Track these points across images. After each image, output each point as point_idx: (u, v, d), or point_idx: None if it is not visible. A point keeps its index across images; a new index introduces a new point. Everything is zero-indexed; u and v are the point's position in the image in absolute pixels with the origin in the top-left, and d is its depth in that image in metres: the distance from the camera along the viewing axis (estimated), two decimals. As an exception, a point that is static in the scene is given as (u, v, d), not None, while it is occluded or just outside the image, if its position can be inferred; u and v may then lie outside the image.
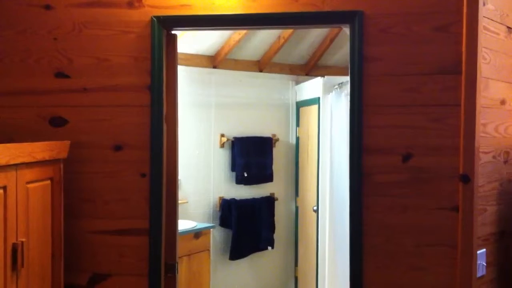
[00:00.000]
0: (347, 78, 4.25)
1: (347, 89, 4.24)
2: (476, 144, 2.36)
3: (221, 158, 5.24)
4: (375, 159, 2.43)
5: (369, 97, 2.42)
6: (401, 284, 2.41)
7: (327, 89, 4.68)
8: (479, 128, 2.38)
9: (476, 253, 2.42)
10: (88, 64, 2.47)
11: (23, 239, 1.95)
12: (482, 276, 2.52)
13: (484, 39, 2.41)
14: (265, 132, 5.43)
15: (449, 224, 2.38)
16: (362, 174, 2.42)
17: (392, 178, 2.41)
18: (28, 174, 2.01)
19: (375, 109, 2.43)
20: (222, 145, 5.22)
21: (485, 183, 2.52)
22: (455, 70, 2.37)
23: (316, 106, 4.85)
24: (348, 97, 2.51)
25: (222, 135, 5.21)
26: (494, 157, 2.60)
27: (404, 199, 2.41)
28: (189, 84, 4.81)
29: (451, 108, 2.38)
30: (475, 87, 2.35)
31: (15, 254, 1.90)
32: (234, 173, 5.25)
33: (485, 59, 2.44)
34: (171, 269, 2.49)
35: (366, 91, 2.42)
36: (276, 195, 5.51)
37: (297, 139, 5.54)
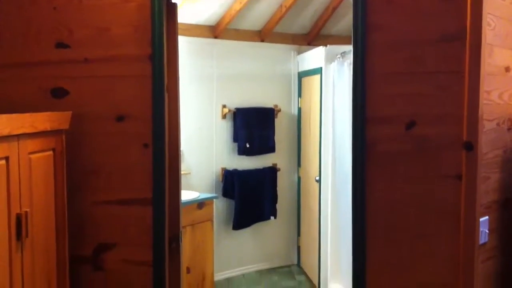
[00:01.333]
0: (350, 47, 4.21)
1: (349, 58, 4.20)
2: (480, 112, 2.34)
3: (223, 129, 5.23)
4: (378, 128, 2.41)
5: (372, 66, 2.39)
6: (404, 252, 2.42)
7: (330, 59, 4.64)
8: (483, 96, 2.36)
9: (479, 221, 2.42)
10: (88, 34, 2.44)
11: (27, 210, 1.96)
12: (484, 243, 2.53)
13: (489, 5, 2.37)
14: (267, 103, 5.41)
15: (453, 192, 2.37)
16: (365, 143, 2.41)
17: (395, 147, 2.40)
18: (30, 144, 2.01)
19: (378, 77, 2.40)
20: (224, 116, 5.21)
21: (488, 150, 2.51)
22: (459, 37, 2.33)
23: (318, 76, 4.82)
24: (351, 66, 2.49)
25: (224, 106, 5.19)
26: (498, 124, 2.59)
27: (407, 168, 2.40)
28: (190, 56, 4.78)
29: (455, 76, 2.35)
30: (480, 54, 2.32)
31: (19, 224, 1.91)
32: (236, 144, 5.26)
33: (490, 25, 2.41)
34: (175, 239, 2.51)
35: (369, 59, 2.39)
36: (278, 166, 5.52)
37: (299, 109, 5.52)
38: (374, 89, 2.40)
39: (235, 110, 5.20)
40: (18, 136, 1.92)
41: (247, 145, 5.22)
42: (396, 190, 2.41)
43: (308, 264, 5.29)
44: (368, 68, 2.39)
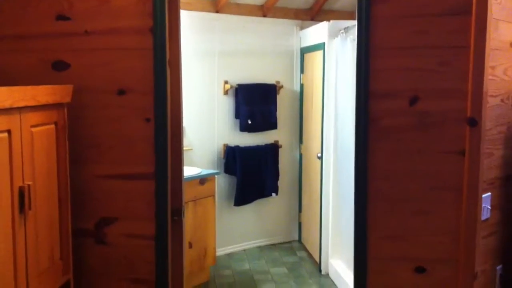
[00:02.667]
0: (353, 22, 4.18)
1: (353, 33, 4.16)
2: (484, 87, 2.32)
3: (225, 106, 5.21)
4: (382, 103, 2.40)
5: (376, 40, 2.37)
6: (406, 228, 2.43)
7: (333, 34, 4.60)
8: (487, 71, 2.34)
9: (482, 197, 2.42)
10: (88, 6, 2.41)
11: (30, 183, 1.96)
12: (486, 219, 2.54)
13: (496, -22, 2.34)
14: (269, 79, 5.38)
15: (455, 168, 2.37)
16: (368, 118, 2.40)
17: (399, 122, 2.39)
18: (32, 117, 2.00)
19: (382, 52, 2.38)
20: (226, 92, 5.18)
21: (492, 126, 2.51)
22: (465, 11, 2.30)
23: (321, 52, 4.78)
24: (354, 42, 2.47)
25: (226, 82, 5.16)
26: (502, 100, 2.57)
27: (411, 143, 2.39)
28: (191, 30, 4.73)
29: (460, 50, 2.33)
30: (485, 28, 2.29)
31: (22, 197, 1.91)
32: (238, 121, 5.24)
33: (496, -1, 2.38)
34: (178, 213, 2.51)
35: (373, 33, 2.36)
36: (280, 143, 5.52)
37: (302, 86, 5.50)
38: (378, 63, 2.38)
39: (237, 86, 5.18)
40: (20, 109, 1.91)
41: (249, 122, 5.20)
42: (398, 165, 2.41)
43: (309, 240, 5.32)
44: (372, 42, 2.37)
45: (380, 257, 2.45)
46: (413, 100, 2.38)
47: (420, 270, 2.44)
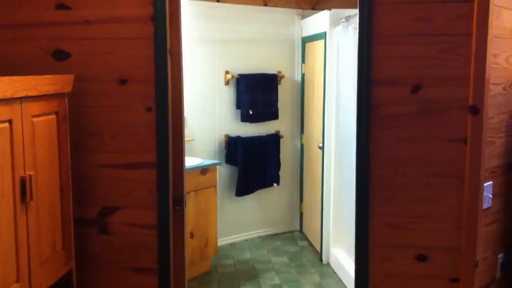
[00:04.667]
0: (355, 11, 4.15)
1: (354, 22, 4.14)
2: (487, 75, 2.31)
3: (226, 96, 5.20)
4: (383, 90, 2.39)
5: (378, 27, 2.36)
6: (407, 215, 2.43)
7: (334, 23, 4.57)
8: (490, 59, 2.33)
9: (483, 185, 2.42)
10: (88, -5, 2.40)
11: (31, 173, 1.96)
12: (488, 208, 2.54)
13: (499, -36, 2.32)
14: (270, 69, 5.37)
15: (457, 156, 2.37)
16: (369, 106, 2.39)
17: (400, 110, 2.39)
18: (33, 107, 1.99)
19: (384, 39, 2.37)
20: (227, 82, 5.17)
21: (494, 115, 2.50)
22: (467, -2, 2.29)
23: (322, 41, 4.76)
24: (356, 30, 2.45)
25: (227, 72, 5.15)
26: (504, 88, 2.56)
27: (412, 131, 2.39)
28: (192, 19, 4.72)
29: (462, 38, 2.32)
30: (488, 15, 2.28)
31: (24, 187, 1.91)
32: (239, 111, 5.24)
33: (499, -14, 2.36)
34: (179, 202, 2.52)
35: (376, 20, 2.35)
36: (281, 133, 5.51)
37: (303, 75, 5.48)
38: (380, 50, 2.37)
39: (238, 76, 5.16)
40: (21, 99, 1.91)
41: (250, 112, 5.19)
42: (400, 152, 2.40)
43: (311, 230, 5.33)
44: (374, 29, 2.35)
45: (381, 245, 2.46)
46: (415, 88, 2.37)
47: (421, 258, 2.44)
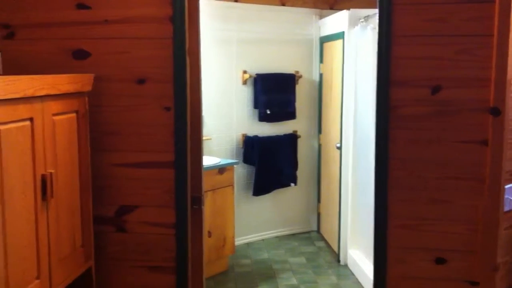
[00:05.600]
0: (373, 11, 4.13)
1: (373, 22, 4.11)
2: (508, 76, 2.28)
3: (244, 95, 5.21)
4: (403, 91, 2.37)
5: (398, 28, 2.34)
6: (425, 217, 2.41)
7: (352, 23, 4.55)
8: (511, 59, 2.30)
9: (504, 188, 2.39)
10: (108, -6, 2.42)
11: (52, 170, 1.98)
12: (509, 211, 2.51)
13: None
14: (288, 69, 5.36)
15: (477, 158, 2.34)
16: (388, 107, 2.38)
17: (420, 111, 2.37)
18: (53, 106, 2.02)
19: (404, 40, 2.35)
20: (245, 82, 5.18)
21: (515, 116, 2.46)
22: (488, -1, 2.27)
23: (340, 41, 4.74)
24: (375, 30, 2.44)
25: (245, 72, 5.15)
26: (526, 89, 2.52)
27: (431, 132, 2.37)
28: (210, 19, 4.72)
29: (483, 39, 2.29)
30: (510, 16, 2.25)
31: (44, 185, 1.93)
32: (256, 110, 5.24)
33: (521, -15, 2.33)
34: (197, 201, 2.52)
35: (395, 21, 2.34)
36: (299, 133, 5.50)
37: (321, 75, 5.46)
38: (399, 51, 2.35)
39: (255, 75, 5.16)
40: (42, 98, 1.93)
41: (268, 112, 5.19)
42: (419, 153, 2.39)
43: (328, 230, 5.31)
44: (393, 30, 2.34)
45: (399, 246, 2.44)
46: (435, 89, 2.35)
47: (439, 260, 2.42)
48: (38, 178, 1.91)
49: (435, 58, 2.34)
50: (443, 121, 2.36)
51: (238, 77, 5.15)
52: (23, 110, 1.81)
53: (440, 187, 2.38)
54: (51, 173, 1.97)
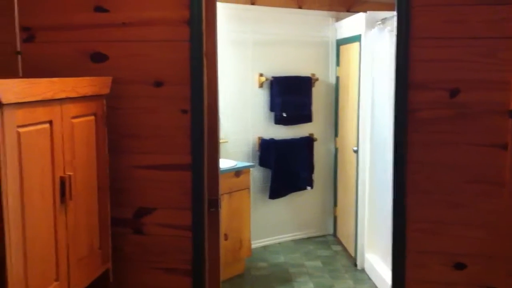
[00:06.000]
0: (391, 13, 4.11)
1: (391, 24, 4.09)
2: (530, 79, 2.25)
3: (260, 98, 5.21)
4: (421, 94, 2.35)
5: (416, 30, 2.32)
6: (444, 221, 2.38)
7: (370, 26, 4.53)
8: (533, 62, 2.27)
9: (525, 191, 2.36)
10: (126, -2, 2.43)
11: (70, 173, 1.99)
12: (530, 215, 2.47)
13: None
14: (304, 72, 5.35)
15: (497, 162, 2.31)
16: (407, 110, 2.35)
17: (438, 114, 2.34)
18: (72, 109, 2.03)
19: (422, 42, 2.33)
20: (261, 85, 5.18)
21: (536, 119, 2.43)
22: (508, 1, 2.23)
23: (357, 44, 4.72)
24: (392, 33, 2.42)
25: (261, 75, 5.15)
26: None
27: (450, 136, 2.34)
28: (226, 22, 4.74)
29: (504, 41, 2.26)
30: (530, 18, 2.22)
31: (63, 187, 1.95)
32: (272, 113, 5.24)
33: (543, -14, 2.29)
34: (214, 204, 2.52)
35: (414, 23, 2.32)
36: (315, 136, 5.49)
37: (337, 78, 5.44)
38: (418, 54, 2.33)
39: (271, 78, 5.16)
40: (61, 101, 1.94)
41: (284, 115, 5.19)
42: (437, 157, 2.36)
43: (344, 234, 5.28)
44: (411, 32, 2.32)
45: (418, 251, 2.41)
46: (454, 92, 2.32)
47: (458, 265, 2.39)
48: (57, 180, 1.92)
49: (454, 60, 2.31)
50: (462, 124, 2.33)
51: (254, 80, 5.15)
52: (42, 113, 1.83)
53: (459, 191, 2.35)
54: (69, 176, 1.98)
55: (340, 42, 5.32)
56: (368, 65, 4.56)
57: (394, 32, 2.39)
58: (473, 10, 2.27)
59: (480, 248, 2.36)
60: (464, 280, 2.39)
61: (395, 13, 2.39)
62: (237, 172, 4.44)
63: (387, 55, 4.15)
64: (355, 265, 4.79)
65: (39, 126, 1.81)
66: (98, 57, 2.46)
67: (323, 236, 5.66)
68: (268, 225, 5.34)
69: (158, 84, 2.44)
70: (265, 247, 5.29)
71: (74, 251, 2.04)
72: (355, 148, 4.78)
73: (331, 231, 5.70)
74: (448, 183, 2.36)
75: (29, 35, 2.49)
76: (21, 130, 1.69)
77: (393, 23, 2.39)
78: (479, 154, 2.33)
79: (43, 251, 1.83)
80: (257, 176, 5.21)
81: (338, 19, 5.41)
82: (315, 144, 5.47)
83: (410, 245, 2.41)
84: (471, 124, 2.32)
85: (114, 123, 2.45)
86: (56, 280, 1.92)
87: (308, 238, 5.59)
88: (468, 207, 2.35)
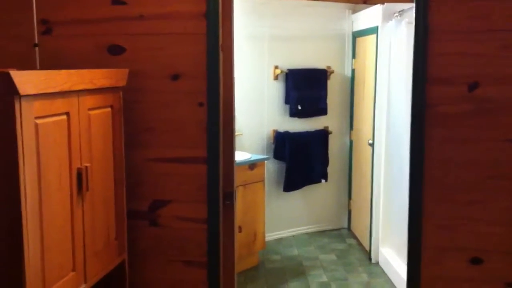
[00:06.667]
0: (408, 5, 4.07)
1: (408, 16, 4.05)
2: (552, 73, 2.22)
3: (275, 91, 5.19)
4: (439, 89, 2.33)
5: (435, 23, 2.29)
6: (462, 217, 2.36)
7: (387, 18, 4.48)
8: (554, 55, 2.23)
9: (545, 187, 2.33)
10: (144, -10, 2.43)
11: (87, 164, 2.00)
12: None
13: None
14: (320, 64, 5.32)
15: (517, 157, 2.28)
16: (424, 104, 2.33)
17: (457, 109, 2.32)
18: (89, 100, 2.04)
19: (441, 35, 2.30)
20: (276, 78, 5.16)
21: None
22: (530, -8, 2.20)
23: (374, 36, 4.68)
24: (409, 25, 2.39)
25: (276, 67, 5.14)
26: None
27: (468, 131, 2.32)
28: (242, 15, 4.72)
29: (524, 34, 2.23)
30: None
31: (80, 178, 1.96)
32: (287, 106, 5.22)
33: None
34: (229, 197, 2.53)
35: (432, 15, 2.29)
36: (330, 129, 5.47)
37: (353, 71, 5.41)
38: (436, 47, 2.31)
39: (287, 71, 5.14)
40: (78, 92, 1.95)
41: (299, 107, 5.17)
42: (455, 152, 2.34)
43: (359, 228, 5.26)
44: (430, 25, 2.29)
45: (433, 246, 2.39)
46: (473, 86, 2.29)
47: (475, 261, 2.37)
48: (74, 172, 1.93)
49: (473, 54, 2.28)
50: (481, 119, 2.30)
51: (270, 72, 5.14)
52: (60, 105, 1.83)
53: (478, 187, 2.33)
54: (86, 167, 1.99)
55: (357, 34, 5.28)
56: (385, 57, 4.52)
57: (412, 24, 2.36)
58: (494, 3, 2.24)
59: (498, 244, 2.34)
60: (481, 275, 2.37)
61: (413, 5, 2.36)
62: (252, 165, 4.44)
63: (404, 47, 4.10)
64: (370, 259, 4.78)
65: (56, 118, 1.82)
66: (116, 50, 2.47)
67: (338, 229, 5.65)
68: (282, 218, 5.34)
69: (175, 77, 2.44)
70: (279, 240, 5.29)
71: (90, 242, 2.06)
72: (371, 141, 4.75)
73: (345, 225, 5.68)
74: (467, 178, 2.34)
75: (46, 28, 2.50)
76: (39, 121, 1.70)
77: (411, 15, 2.36)
78: (499, 149, 2.30)
79: (60, 242, 1.85)
80: (271, 168, 5.21)
81: (354, 11, 5.36)
82: (330, 137, 5.45)
83: (426, 240, 2.39)
84: (490, 119, 2.30)
85: (131, 116, 2.46)
86: (73, 270, 1.94)
87: (322, 231, 5.58)
88: (487, 203, 2.33)
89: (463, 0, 2.26)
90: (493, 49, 2.26)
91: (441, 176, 2.36)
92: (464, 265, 2.38)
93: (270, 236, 5.17)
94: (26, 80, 1.60)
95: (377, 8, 4.60)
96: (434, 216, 2.38)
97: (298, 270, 4.55)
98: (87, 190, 2.00)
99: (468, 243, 2.37)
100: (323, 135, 5.38)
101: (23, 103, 1.60)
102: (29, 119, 1.64)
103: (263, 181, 4.56)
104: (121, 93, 2.33)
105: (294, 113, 5.19)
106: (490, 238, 2.34)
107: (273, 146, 5.19)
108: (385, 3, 4.54)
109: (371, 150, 4.76)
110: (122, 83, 2.31)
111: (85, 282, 2.02)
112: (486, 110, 2.29)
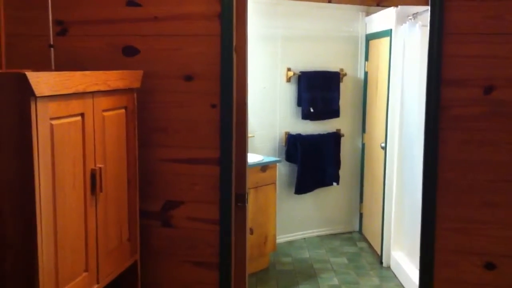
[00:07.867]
0: (422, 8, 4.05)
1: (422, 19, 4.03)
2: None
3: (287, 93, 5.19)
4: (454, 91, 2.31)
5: (450, 25, 2.28)
6: (476, 220, 2.34)
7: (400, 20, 4.47)
8: None
9: (560, 191, 2.30)
10: (158, -8, 2.44)
11: (101, 165, 2.01)
12: None
13: None
14: (333, 67, 5.31)
15: (532, 161, 2.26)
16: (438, 107, 2.32)
17: (471, 112, 2.30)
18: (103, 102, 2.05)
19: (456, 37, 2.29)
20: (289, 80, 5.16)
21: None
22: (547, -5, 2.18)
23: (387, 39, 4.66)
24: (423, 28, 2.38)
25: (289, 69, 5.13)
26: None
27: (484, 133, 2.30)
28: (255, 16, 4.72)
29: (540, 37, 2.20)
30: None
31: (94, 179, 1.97)
32: (300, 108, 5.21)
33: None
34: (241, 199, 2.53)
35: (447, 18, 2.27)
36: (342, 131, 5.45)
37: (366, 74, 5.39)
38: (451, 49, 2.29)
39: (299, 73, 5.14)
40: (93, 94, 1.96)
41: (311, 110, 5.16)
42: (469, 155, 2.31)
43: (370, 231, 5.24)
44: (445, 27, 2.27)
45: (447, 250, 2.37)
46: (488, 89, 2.27)
47: (489, 265, 2.35)
48: (88, 172, 1.94)
49: (489, 56, 2.26)
50: (496, 122, 2.28)
51: (282, 74, 5.14)
52: (74, 106, 1.85)
53: (493, 190, 2.30)
54: (100, 168, 2.00)
55: (370, 37, 5.26)
56: (398, 60, 4.50)
57: (427, 27, 2.35)
58: (509, 5, 2.22)
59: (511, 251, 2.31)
60: (494, 280, 2.34)
61: (427, 7, 2.35)
62: (263, 167, 4.43)
63: (418, 50, 4.08)
64: (381, 262, 4.75)
65: (71, 119, 1.83)
66: (130, 51, 2.48)
67: (349, 232, 5.63)
68: (293, 220, 5.33)
69: (189, 78, 2.45)
70: (290, 243, 5.28)
71: (103, 243, 2.07)
72: (383, 144, 4.73)
73: (356, 228, 5.66)
74: (482, 182, 2.32)
75: (62, 28, 2.52)
76: (54, 122, 1.72)
77: (424, 18, 2.35)
78: (513, 152, 2.28)
79: (73, 242, 1.86)
80: (283, 171, 5.20)
81: (368, 13, 5.35)
82: (342, 139, 5.44)
83: (439, 244, 2.37)
84: (504, 121, 2.28)
85: (145, 117, 2.47)
86: (86, 270, 1.95)
87: (334, 234, 5.56)
88: (502, 206, 2.31)
89: (478, 3, 2.25)
90: (508, 51, 2.24)
91: (455, 179, 2.34)
92: (478, 270, 2.36)
93: (281, 238, 5.17)
94: (41, 81, 1.61)
95: (391, 11, 4.58)
96: (448, 220, 2.36)
97: (309, 273, 4.54)
98: (101, 190, 2.01)
99: (482, 247, 2.35)
100: (335, 137, 5.37)
101: (39, 104, 1.62)
102: (44, 120, 1.66)
103: (274, 183, 4.56)
104: (135, 94, 2.34)
105: (306, 116, 5.18)
106: (505, 243, 2.32)
107: (285, 148, 5.18)
108: (399, 6, 4.52)
109: (383, 153, 4.74)
110: (136, 84, 2.32)
111: (98, 282, 2.03)
112: (501, 113, 2.27)
